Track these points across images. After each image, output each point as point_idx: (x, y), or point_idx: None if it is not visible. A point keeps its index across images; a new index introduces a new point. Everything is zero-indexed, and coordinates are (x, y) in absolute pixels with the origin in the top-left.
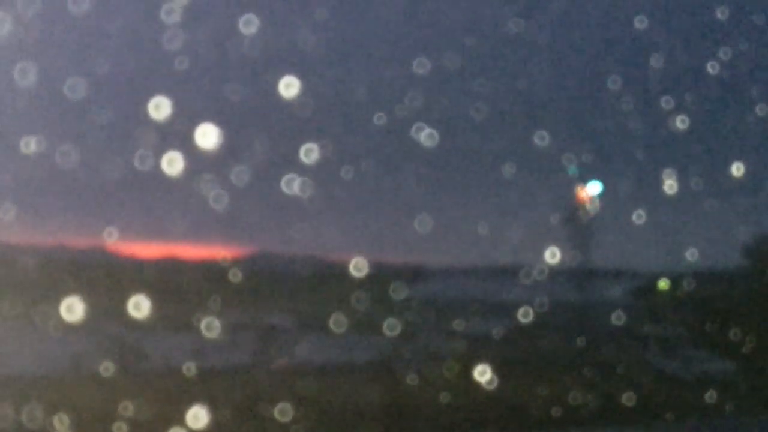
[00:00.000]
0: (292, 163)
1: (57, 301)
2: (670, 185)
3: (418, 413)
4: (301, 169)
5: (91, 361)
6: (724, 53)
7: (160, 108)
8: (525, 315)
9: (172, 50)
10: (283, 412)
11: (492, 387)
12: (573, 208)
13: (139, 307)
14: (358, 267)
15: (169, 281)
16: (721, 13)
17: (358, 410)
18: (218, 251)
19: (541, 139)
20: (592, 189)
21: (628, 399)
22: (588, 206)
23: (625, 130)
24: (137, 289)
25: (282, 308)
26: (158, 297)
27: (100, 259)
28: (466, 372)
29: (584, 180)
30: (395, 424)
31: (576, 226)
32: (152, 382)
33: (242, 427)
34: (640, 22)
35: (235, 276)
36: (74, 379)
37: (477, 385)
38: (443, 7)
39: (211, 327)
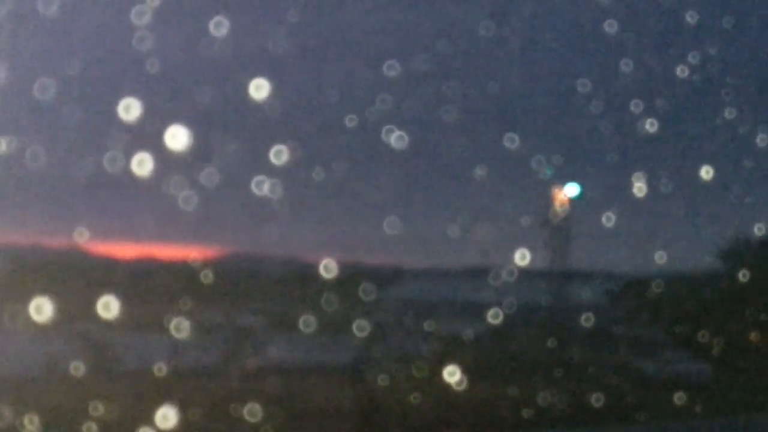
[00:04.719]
0: (263, 165)
1: (29, 302)
2: (639, 188)
3: (389, 413)
4: (272, 171)
5: (63, 361)
6: (693, 57)
7: (130, 109)
8: (496, 316)
9: (143, 52)
10: (254, 411)
11: (463, 388)
12: (549, 210)
13: (111, 307)
14: (329, 268)
15: (141, 282)
16: (690, 17)
17: (330, 410)
18: (190, 252)
19: (512, 141)
20: (569, 191)
21: (600, 400)
22: (564, 208)
23: (596, 133)
24: (110, 290)
25: (254, 309)
26: (131, 297)
27: (72, 260)
28: (438, 373)
29: (561, 182)
30: (367, 424)
31: (552, 227)
32: (125, 382)
33: (214, 426)
34: (609, 26)
35: (207, 277)
36: (47, 379)
37: (448, 386)
38: (415, 10)
39: (183, 327)
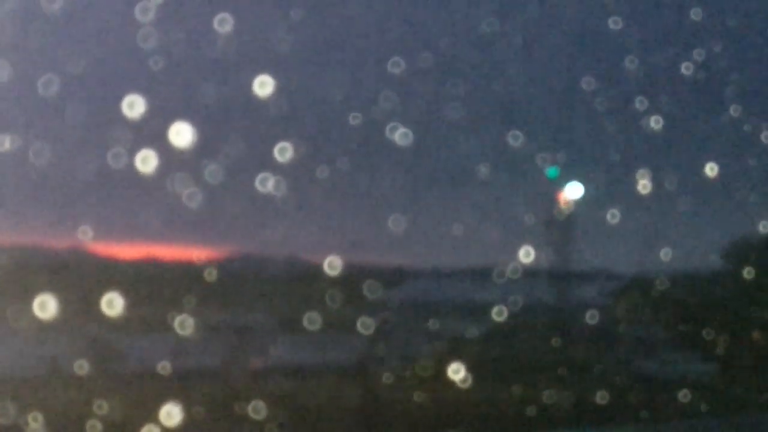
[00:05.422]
0: (267, 163)
1: (32, 302)
2: (644, 185)
3: (393, 414)
4: (276, 169)
5: (67, 362)
6: (699, 54)
7: (134, 106)
8: (500, 316)
9: (147, 49)
10: (258, 412)
11: (467, 388)
12: (553, 210)
13: (115, 307)
14: (333, 267)
15: (145, 281)
16: (695, 15)
17: (334, 411)
18: (194, 251)
19: (516, 139)
20: (573, 191)
21: (603, 400)
22: (568, 208)
23: (601, 131)
24: (113, 290)
25: (258, 309)
26: (134, 297)
27: (75, 259)
28: (442, 373)
29: (564, 182)
30: (371, 425)
31: (555, 227)
32: (128, 382)
33: (218, 427)
34: (614, 23)
35: (211, 276)
36: (51, 379)
37: (452, 386)
38: (418, 7)
39: (186, 327)
